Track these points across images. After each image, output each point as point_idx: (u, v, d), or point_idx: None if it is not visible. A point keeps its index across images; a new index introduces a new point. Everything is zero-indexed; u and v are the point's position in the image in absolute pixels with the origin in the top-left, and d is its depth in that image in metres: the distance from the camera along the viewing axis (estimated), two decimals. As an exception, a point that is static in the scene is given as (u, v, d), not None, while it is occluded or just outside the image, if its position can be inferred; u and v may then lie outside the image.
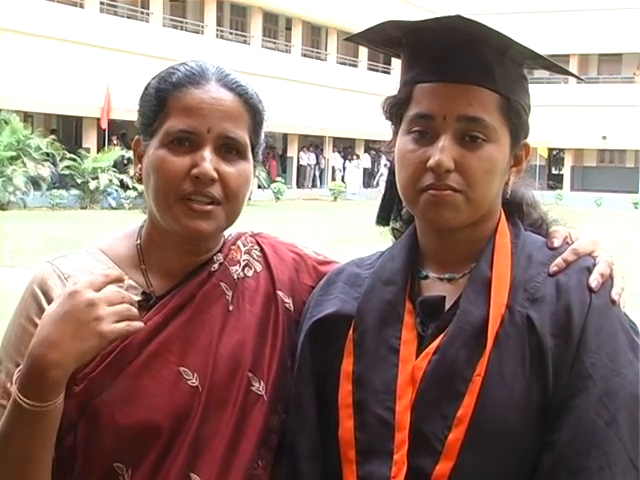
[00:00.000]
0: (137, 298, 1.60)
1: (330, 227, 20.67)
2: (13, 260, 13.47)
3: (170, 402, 1.54)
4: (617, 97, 40.35)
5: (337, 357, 1.56)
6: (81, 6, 28.77)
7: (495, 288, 1.47)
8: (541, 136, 31.82)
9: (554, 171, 46.65)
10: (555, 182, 42.43)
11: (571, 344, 1.42)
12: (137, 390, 1.54)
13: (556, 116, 39.87)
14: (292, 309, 1.70)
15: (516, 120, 1.51)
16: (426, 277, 1.57)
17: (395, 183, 1.57)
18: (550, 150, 41.53)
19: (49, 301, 1.56)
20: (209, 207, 1.55)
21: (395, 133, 1.56)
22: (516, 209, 1.60)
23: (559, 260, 1.50)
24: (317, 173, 39.22)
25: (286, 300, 1.70)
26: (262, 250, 1.75)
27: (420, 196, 1.48)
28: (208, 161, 1.54)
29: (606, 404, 1.39)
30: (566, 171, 45.17)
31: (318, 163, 39.06)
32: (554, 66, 1.59)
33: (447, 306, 1.51)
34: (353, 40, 1.66)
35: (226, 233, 1.71)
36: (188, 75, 1.59)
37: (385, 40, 1.59)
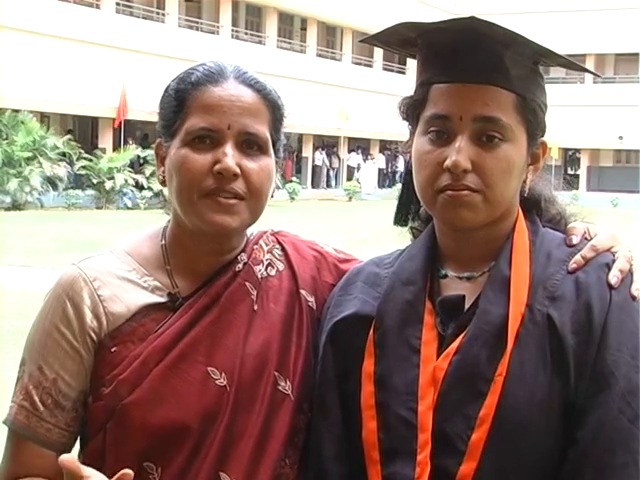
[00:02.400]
0: (163, 299, 1.62)
1: (345, 227, 20.66)
2: (29, 260, 13.55)
3: (199, 402, 1.55)
4: (634, 97, 40.10)
5: (358, 358, 1.56)
6: (97, 7, 28.90)
7: (514, 287, 1.47)
8: (556, 136, 31.68)
9: (570, 171, 46.48)
10: (571, 182, 42.27)
11: (592, 342, 1.42)
12: (166, 391, 1.55)
13: (572, 116, 39.70)
14: (315, 307, 1.70)
15: (532, 119, 1.51)
16: (445, 276, 1.57)
17: (412, 183, 1.58)
18: (566, 150, 41.36)
19: (74, 306, 1.58)
20: (233, 201, 1.56)
21: (412, 133, 1.56)
22: (534, 206, 1.60)
23: (578, 257, 1.50)
24: (332, 173, 39.23)
25: (309, 299, 1.70)
26: (283, 249, 1.75)
27: (438, 197, 1.49)
28: (230, 157, 1.55)
29: (629, 401, 1.40)
30: (582, 171, 44.96)
31: (332, 163, 39.06)
32: (571, 64, 1.59)
33: (467, 305, 1.52)
34: (368, 42, 1.66)
35: (248, 232, 1.72)
36: (206, 74, 1.60)
37: (400, 41, 1.59)
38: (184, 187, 1.56)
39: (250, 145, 1.58)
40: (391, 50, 1.67)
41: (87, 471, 1.32)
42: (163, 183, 1.64)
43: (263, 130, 1.59)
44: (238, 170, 1.55)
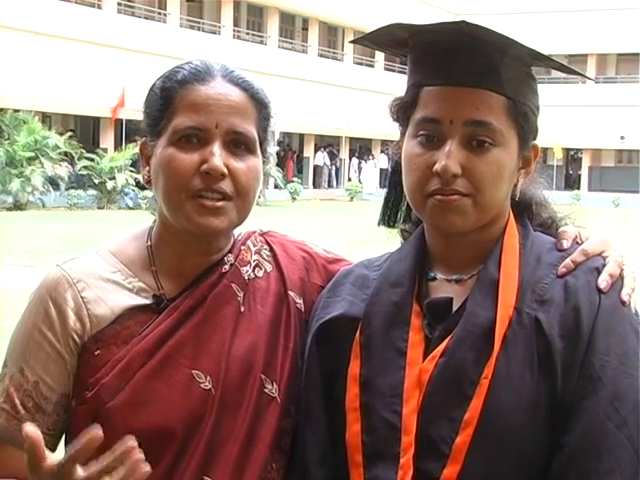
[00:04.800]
0: (147, 301, 1.60)
1: (346, 227, 20.65)
2: (31, 260, 13.55)
3: (183, 406, 1.54)
4: (635, 97, 40.05)
5: (344, 360, 1.55)
6: (99, 7, 28.91)
7: (502, 290, 1.46)
8: (557, 136, 31.66)
9: (571, 172, 46.44)
10: (573, 182, 42.28)
11: (580, 346, 1.40)
12: (150, 394, 1.53)
13: (573, 116, 39.68)
14: (303, 309, 1.68)
15: (524, 122, 1.50)
16: (434, 278, 1.56)
17: (399, 184, 1.57)
18: (567, 150, 41.32)
19: (57, 308, 1.57)
20: (220, 203, 1.55)
21: (402, 135, 1.55)
22: (525, 209, 1.59)
23: (567, 261, 1.48)
24: (333, 173, 39.22)
25: (297, 300, 1.69)
26: (272, 250, 1.73)
27: (427, 201, 1.47)
28: (217, 156, 1.53)
29: (616, 407, 1.38)
30: (584, 171, 44.92)
31: (334, 163, 39.06)
32: (563, 67, 1.58)
33: (455, 308, 1.50)
34: (360, 42, 1.65)
35: (236, 232, 1.70)
36: (193, 72, 1.58)
37: (392, 42, 1.58)
38: (171, 187, 1.55)
39: (237, 144, 1.56)
40: (383, 51, 1.66)
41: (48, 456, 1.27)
42: (148, 182, 1.62)
43: (251, 129, 1.58)
44: (226, 170, 1.53)
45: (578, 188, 40.57)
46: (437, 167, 1.44)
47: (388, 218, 1.68)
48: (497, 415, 1.39)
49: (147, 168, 1.63)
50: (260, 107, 1.61)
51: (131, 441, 1.28)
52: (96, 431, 1.26)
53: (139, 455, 1.28)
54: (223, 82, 1.58)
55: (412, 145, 1.50)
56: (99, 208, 25.34)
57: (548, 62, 1.54)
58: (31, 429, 1.25)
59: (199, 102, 1.55)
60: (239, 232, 1.71)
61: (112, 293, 1.59)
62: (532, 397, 1.40)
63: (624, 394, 1.39)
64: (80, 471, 1.29)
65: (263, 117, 1.62)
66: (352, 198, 34.34)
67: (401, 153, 1.54)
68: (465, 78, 1.46)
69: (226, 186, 1.54)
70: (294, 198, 31.29)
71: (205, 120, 1.54)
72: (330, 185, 38.50)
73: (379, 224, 1.69)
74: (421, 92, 1.49)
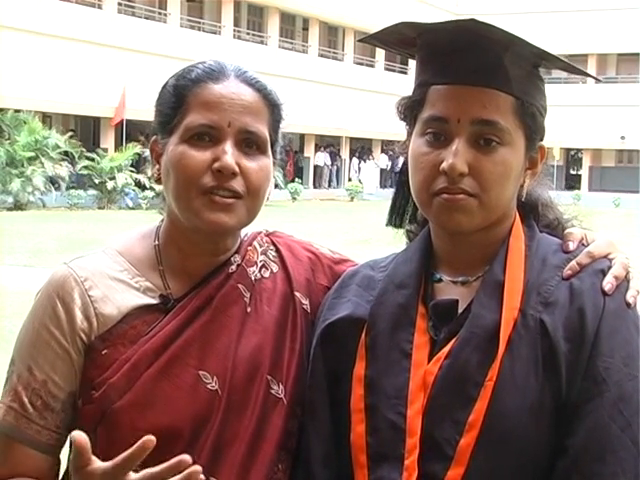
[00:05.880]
0: (154, 301, 1.60)
1: (347, 227, 20.66)
2: (32, 260, 13.56)
3: (190, 406, 1.54)
4: (636, 97, 40.01)
5: (349, 361, 1.55)
6: (99, 7, 28.91)
7: (508, 292, 1.46)
8: (558, 136, 31.65)
9: (572, 171, 46.43)
10: (573, 182, 42.28)
11: (584, 348, 1.40)
12: (156, 394, 1.54)
13: (574, 116, 39.65)
14: (309, 310, 1.69)
15: (531, 123, 1.50)
16: (439, 280, 1.56)
17: (407, 184, 1.56)
18: (568, 150, 41.31)
19: (65, 306, 1.57)
20: (231, 200, 1.55)
21: (409, 134, 1.55)
22: (531, 211, 1.59)
23: (573, 263, 1.48)
24: (334, 172, 39.22)
25: (304, 301, 1.69)
26: (278, 250, 1.73)
27: (433, 199, 1.47)
28: (230, 154, 1.54)
29: (621, 409, 1.38)
30: (584, 171, 44.91)
31: (335, 163, 39.06)
32: (570, 67, 1.58)
33: (460, 309, 1.50)
34: (367, 41, 1.65)
35: (242, 233, 1.70)
36: (207, 71, 1.59)
37: (399, 41, 1.58)
38: (182, 184, 1.55)
39: (249, 144, 1.57)
40: (390, 50, 1.65)
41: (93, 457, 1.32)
42: (158, 181, 1.62)
43: (263, 130, 1.58)
44: (237, 168, 1.54)
45: (578, 188, 40.55)
46: (444, 166, 1.44)
47: (395, 218, 1.68)
48: (501, 417, 1.39)
49: (157, 166, 1.63)
50: (272, 108, 1.62)
51: (188, 457, 1.30)
52: (149, 437, 1.28)
53: (197, 470, 1.30)
54: (237, 82, 1.59)
55: (419, 144, 1.50)
56: (99, 208, 25.35)
57: (556, 62, 1.54)
58: (79, 434, 1.30)
59: (212, 100, 1.56)
60: (245, 233, 1.71)
61: (119, 292, 1.59)
62: (536, 399, 1.40)
63: (628, 396, 1.38)
64: (132, 475, 1.31)
65: (275, 118, 1.62)
66: (352, 198, 34.34)
67: (408, 152, 1.54)
68: (473, 77, 1.46)
69: (237, 184, 1.55)
70: (294, 198, 31.29)
71: (218, 118, 1.55)
72: (330, 185, 38.51)
73: (387, 224, 1.69)
74: (429, 91, 1.50)
